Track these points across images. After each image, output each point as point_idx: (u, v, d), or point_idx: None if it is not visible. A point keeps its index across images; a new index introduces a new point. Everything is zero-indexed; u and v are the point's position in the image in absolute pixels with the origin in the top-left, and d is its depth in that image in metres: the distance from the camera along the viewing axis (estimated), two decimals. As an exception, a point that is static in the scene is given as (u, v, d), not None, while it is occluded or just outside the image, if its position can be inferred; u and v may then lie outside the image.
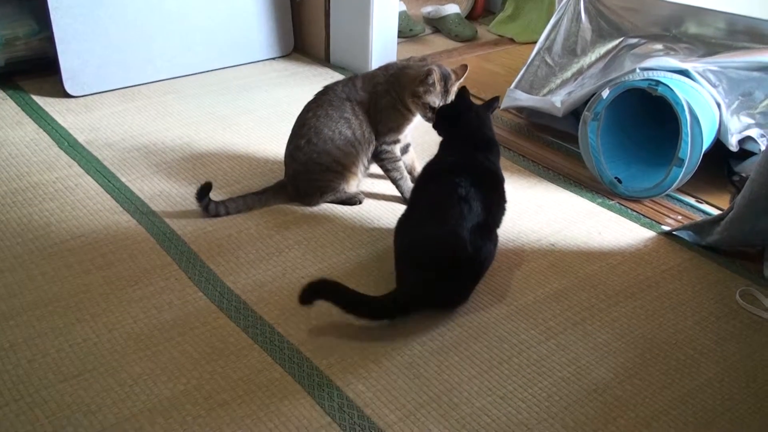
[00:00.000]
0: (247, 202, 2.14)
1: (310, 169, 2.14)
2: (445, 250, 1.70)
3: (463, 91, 1.98)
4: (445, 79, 2.08)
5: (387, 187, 2.29)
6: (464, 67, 2.14)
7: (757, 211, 1.90)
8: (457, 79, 2.11)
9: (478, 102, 2.02)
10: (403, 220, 1.86)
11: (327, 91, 2.19)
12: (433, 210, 1.78)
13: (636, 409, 1.53)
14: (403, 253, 1.78)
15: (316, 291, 1.65)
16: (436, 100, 2.07)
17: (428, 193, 1.85)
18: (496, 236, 1.83)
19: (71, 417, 1.44)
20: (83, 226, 2.04)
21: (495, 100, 2.01)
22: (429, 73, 2.05)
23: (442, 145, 2.00)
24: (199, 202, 2.08)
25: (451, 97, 2.08)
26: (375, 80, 2.18)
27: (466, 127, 1.95)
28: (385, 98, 2.15)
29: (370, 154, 2.20)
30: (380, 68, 2.24)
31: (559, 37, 2.77)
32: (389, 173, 2.22)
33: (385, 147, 2.18)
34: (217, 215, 2.09)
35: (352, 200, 2.21)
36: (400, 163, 2.22)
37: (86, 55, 2.83)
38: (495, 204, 1.84)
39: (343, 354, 1.63)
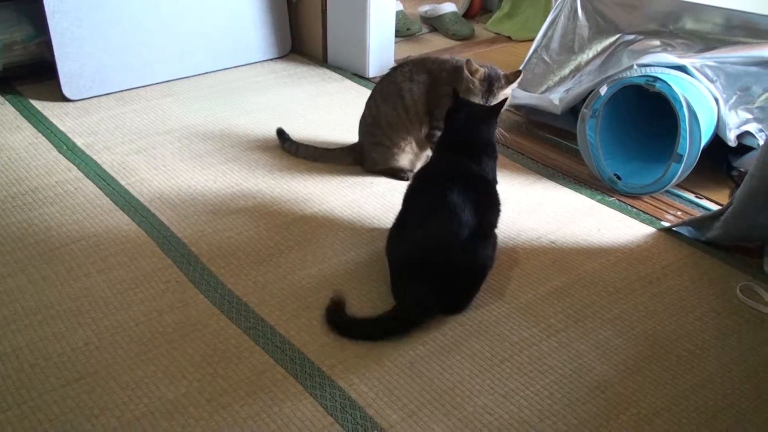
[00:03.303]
0: (316, 152, 2.42)
1: (367, 140, 2.35)
2: (440, 257, 1.70)
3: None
4: (490, 80, 2.10)
5: (386, 187, 2.30)
6: (517, 73, 2.16)
7: (757, 205, 1.91)
8: (508, 83, 2.12)
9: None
10: (394, 232, 1.85)
11: (393, 70, 2.33)
12: (424, 220, 1.76)
13: (638, 406, 1.53)
14: (399, 265, 1.77)
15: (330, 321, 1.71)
16: (475, 100, 2.09)
17: (418, 203, 1.84)
18: (494, 238, 1.82)
19: (74, 421, 1.44)
20: (83, 230, 2.05)
21: (501, 103, 2.00)
22: (461, 68, 2.13)
23: (436, 146, 2.00)
24: (282, 140, 2.48)
25: (496, 99, 2.10)
26: (444, 66, 2.25)
27: (455, 130, 1.91)
28: (446, 87, 2.18)
29: (421, 134, 2.29)
30: (447, 58, 2.28)
31: (556, 34, 2.78)
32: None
33: (436, 132, 2.24)
34: (291, 153, 2.46)
35: (398, 174, 2.35)
36: None
37: (84, 59, 2.83)
38: (487, 208, 1.82)
39: (344, 354, 1.63)
